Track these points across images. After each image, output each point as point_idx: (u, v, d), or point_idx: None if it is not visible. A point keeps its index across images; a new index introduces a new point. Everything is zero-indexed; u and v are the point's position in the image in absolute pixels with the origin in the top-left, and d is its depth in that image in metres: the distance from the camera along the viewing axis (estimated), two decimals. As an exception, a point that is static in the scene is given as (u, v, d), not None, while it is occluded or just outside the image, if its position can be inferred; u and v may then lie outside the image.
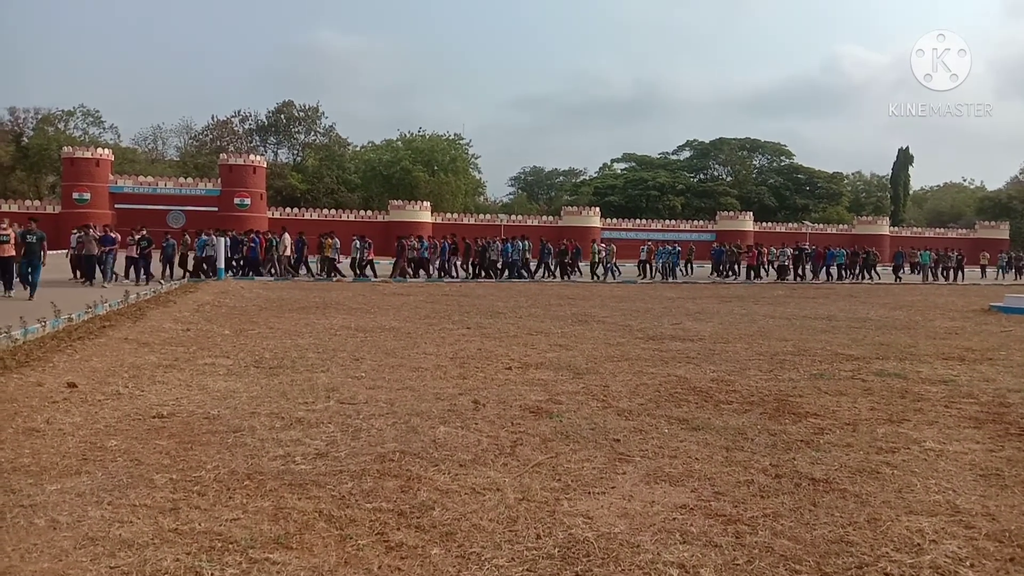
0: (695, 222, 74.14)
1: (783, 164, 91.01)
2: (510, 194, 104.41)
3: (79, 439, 5.07)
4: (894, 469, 4.84)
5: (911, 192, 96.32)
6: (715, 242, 41.88)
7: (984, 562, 3.45)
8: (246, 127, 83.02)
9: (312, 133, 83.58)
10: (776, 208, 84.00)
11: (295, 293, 18.84)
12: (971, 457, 5.17)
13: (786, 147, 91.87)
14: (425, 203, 65.99)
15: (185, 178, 63.74)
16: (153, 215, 53.81)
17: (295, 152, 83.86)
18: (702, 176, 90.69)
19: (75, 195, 56.84)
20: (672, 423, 5.97)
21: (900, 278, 33.67)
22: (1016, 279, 39.63)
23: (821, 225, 75.20)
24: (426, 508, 3.95)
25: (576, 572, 3.27)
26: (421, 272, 27.32)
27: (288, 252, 25.81)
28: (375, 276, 26.14)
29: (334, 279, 25.02)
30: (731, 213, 74.12)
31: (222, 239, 24.32)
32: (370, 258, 26.62)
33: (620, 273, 30.61)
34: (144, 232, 21.78)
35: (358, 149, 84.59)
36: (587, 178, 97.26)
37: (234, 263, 24.93)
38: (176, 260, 23.44)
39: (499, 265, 27.96)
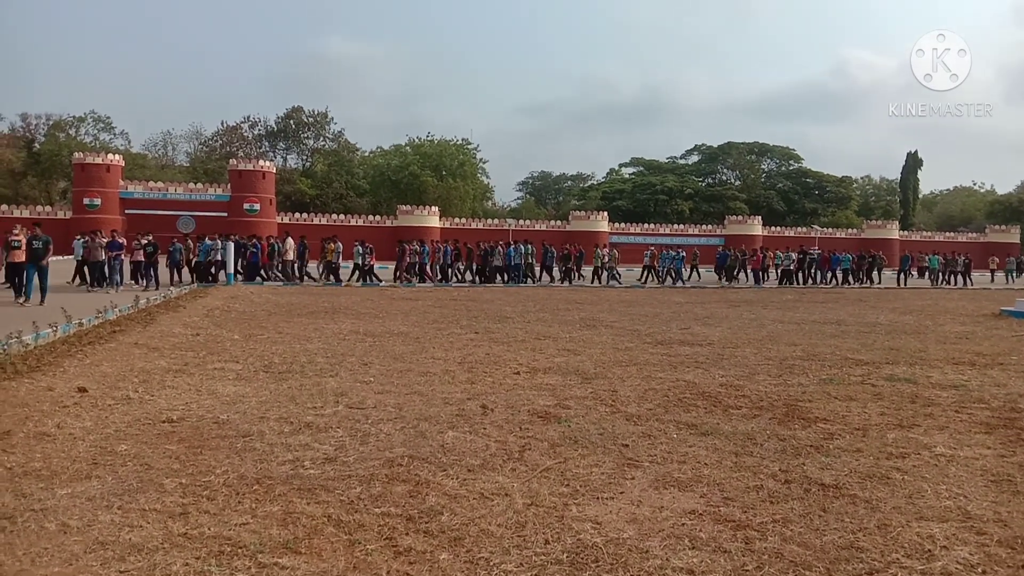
0: (704, 226, 73.93)
1: (792, 168, 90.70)
2: (518, 199, 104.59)
3: (89, 443, 5.10)
4: (904, 475, 4.81)
5: (921, 196, 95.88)
6: (721, 247, 41.68)
7: (996, 569, 3.43)
8: (255, 133, 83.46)
9: (321, 139, 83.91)
10: (785, 212, 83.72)
11: (304, 298, 18.90)
12: (982, 463, 5.13)
13: (795, 151, 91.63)
14: (433, 208, 66.05)
15: (195, 183, 64.02)
16: (163, 220, 54.03)
17: (304, 158, 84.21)
18: (710, 180, 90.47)
19: (86, 200, 57.14)
20: (681, 428, 5.95)
21: (907, 282, 33.50)
22: None
23: (830, 229, 74.81)
24: (434, 513, 3.95)
25: (585, 578, 3.26)
26: (428, 276, 27.33)
27: (291, 257, 25.88)
28: (378, 281, 26.08)
29: (343, 284, 25.09)
30: (740, 217, 73.89)
31: (230, 244, 24.41)
32: (371, 263, 26.63)
33: (620, 278, 30.55)
34: (150, 237, 21.89)
35: (367, 154, 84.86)
36: (595, 183, 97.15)
37: (237, 268, 24.92)
38: (184, 265, 23.52)
39: (501, 269, 27.91)
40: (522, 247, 28.55)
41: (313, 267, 27.65)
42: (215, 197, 61.12)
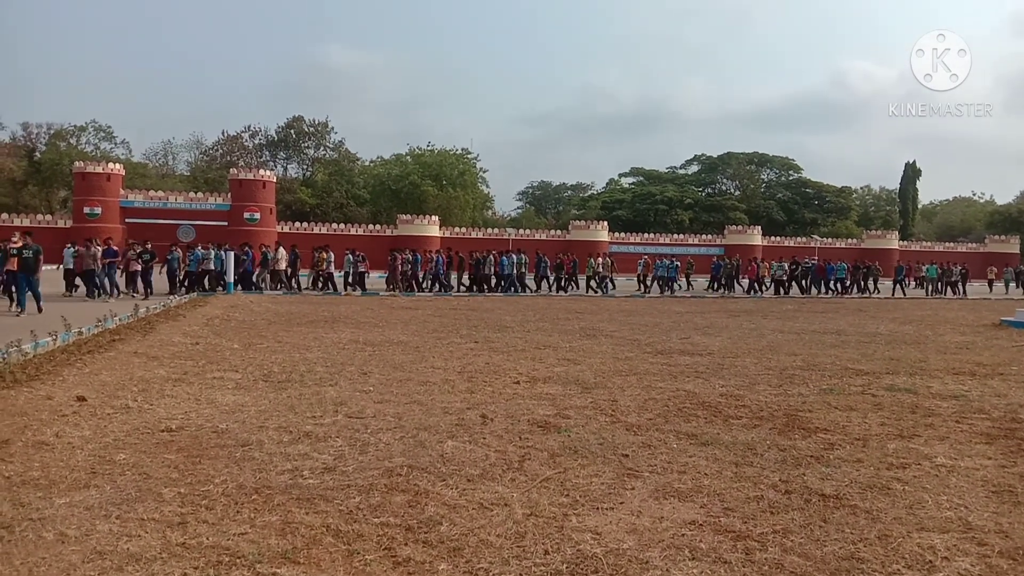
0: (703, 236, 74.05)
1: (791, 178, 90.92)
2: (518, 208, 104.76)
3: (88, 453, 5.09)
4: (905, 485, 4.80)
5: (920, 206, 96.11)
6: (716, 256, 41.72)
7: (997, 580, 3.41)
8: (256, 142, 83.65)
9: (321, 148, 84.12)
10: (784, 222, 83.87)
11: (303, 307, 18.89)
12: (983, 473, 5.12)
13: (794, 161, 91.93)
14: (433, 217, 66.17)
15: (195, 193, 64.15)
16: (163, 229, 54.09)
17: (305, 167, 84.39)
18: (710, 190, 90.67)
19: (86, 209, 57.27)
20: (681, 438, 5.94)
21: (904, 292, 33.52)
22: (1023, 293, 39.36)
23: (830, 239, 74.97)
24: (434, 523, 3.94)
25: (584, 588, 3.25)
26: (426, 286, 27.31)
27: (282, 266, 25.86)
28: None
29: (343, 293, 25.10)
30: (739, 227, 74.03)
31: (231, 254, 24.40)
32: (363, 271, 26.59)
33: (615, 287, 30.51)
34: (148, 246, 21.84)
35: (367, 164, 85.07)
36: (595, 192, 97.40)
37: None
38: (180, 274, 23.37)
39: (493, 279, 27.85)
40: (514, 256, 28.49)
41: (304, 277, 27.63)
42: (215, 206, 61.23)
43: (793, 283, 32.71)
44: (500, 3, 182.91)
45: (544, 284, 29.53)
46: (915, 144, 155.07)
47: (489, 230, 69.58)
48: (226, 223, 58.77)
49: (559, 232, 71.34)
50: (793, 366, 10.10)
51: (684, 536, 3.85)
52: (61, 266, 21.69)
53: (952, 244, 78.46)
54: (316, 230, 62.42)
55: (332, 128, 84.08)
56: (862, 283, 33.99)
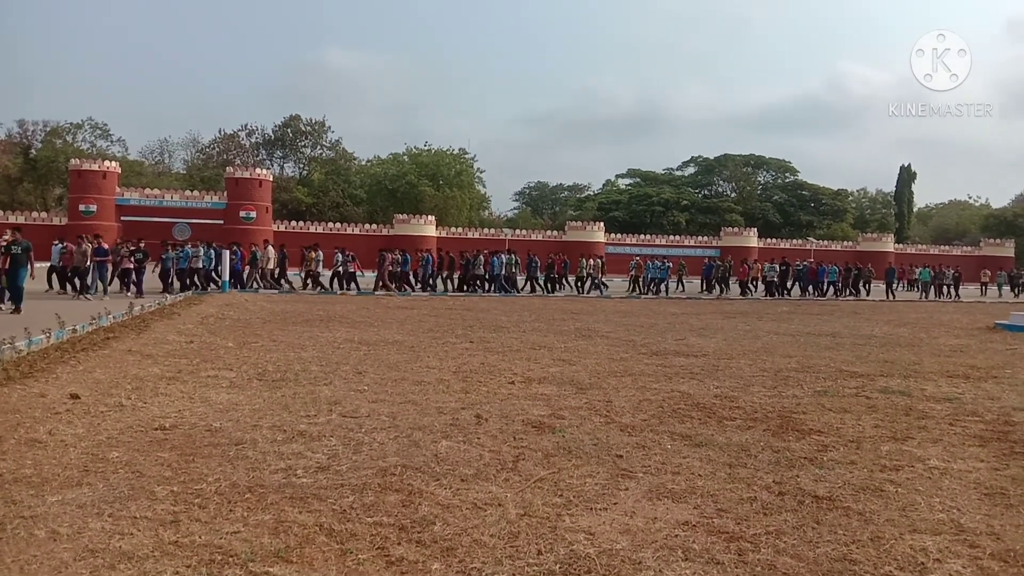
0: (699, 238, 74.09)
1: (787, 181, 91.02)
2: (515, 209, 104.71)
3: (81, 450, 5.08)
4: (898, 487, 4.81)
5: (916, 209, 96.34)
6: (708, 258, 41.72)
7: (989, 582, 3.42)
8: (253, 141, 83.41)
9: (318, 147, 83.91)
10: (781, 224, 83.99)
11: (299, 306, 18.87)
12: (976, 476, 5.14)
13: (790, 164, 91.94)
14: (430, 217, 66.09)
15: (191, 191, 63.94)
16: (159, 227, 53.93)
17: (301, 166, 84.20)
18: (706, 192, 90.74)
19: (82, 207, 57.06)
20: (675, 439, 5.95)
21: (894, 294, 33.63)
22: (1015, 296, 39.53)
23: (826, 242, 75.03)
24: (427, 523, 3.94)
25: (577, 588, 3.25)
26: (408, 285, 27.24)
27: (271, 265, 25.80)
28: (357, 290, 25.94)
29: (339, 293, 25.08)
30: (735, 229, 74.09)
31: (226, 252, 24.32)
32: (353, 271, 26.55)
33: (607, 288, 30.51)
34: (141, 244, 21.72)
35: (364, 163, 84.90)
36: (591, 193, 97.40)
37: (216, 276, 24.70)
38: (174, 273, 23.16)
39: (483, 279, 27.79)
40: (504, 256, 28.44)
41: (295, 276, 27.63)
42: (211, 205, 61.05)
43: (786, 284, 32.82)
44: (499, 7, 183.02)
45: (532, 284, 29.40)
46: (911, 147, 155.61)
47: (486, 230, 69.51)
48: (222, 222, 58.59)
49: (555, 233, 71.28)
50: (788, 368, 10.12)
51: (677, 537, 3.85)
52: (50, 263, 21.43)
53: (947, 247, 78.61)
54: (312, 229, 62.27)
55: (329, 127, 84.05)
56: (852, 285, 34.12)
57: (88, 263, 19.45)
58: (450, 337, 12.81)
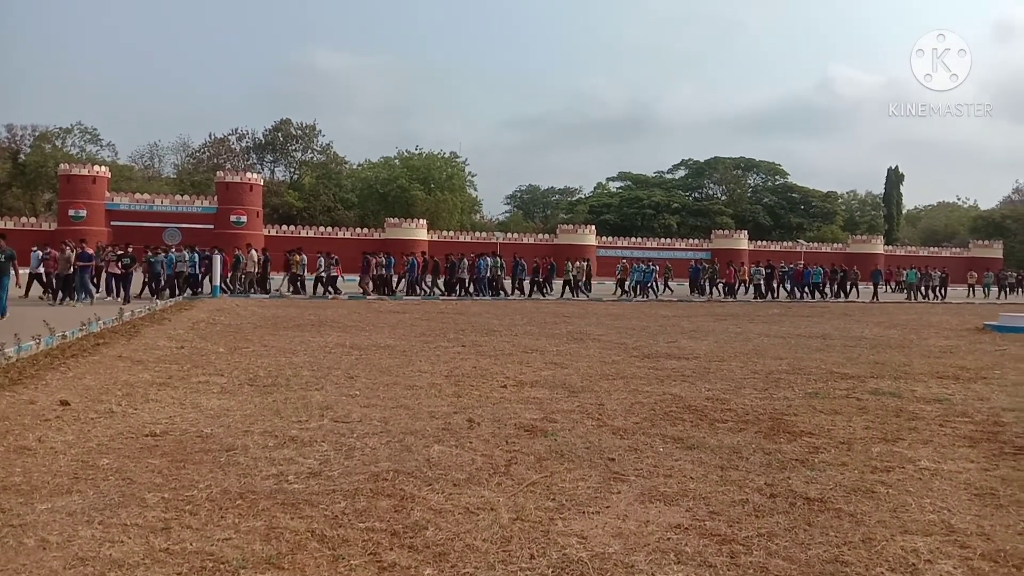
0: (690, 240, 74.32)
1: (778, 183, 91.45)
2: (506, 212, 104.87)
3: (71, 457, 5.04)
4: (889, 488, 4.83)
5: (905, 211, 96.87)
6: (695, 260, 41.83)
7: (979, 582, 3.44)
8: (243, 145, 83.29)
9: (309, 151, 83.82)
10: (771, 227, 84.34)
11: (290, 311, 18.82)
12: (966, 476, 5.16)
13: (780, 166, 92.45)
14: (421, 221, 66.07)
15: (181, 195, 63.81)
16: (149, 232, 53.65)
17: (292, 170, 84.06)
18: (697, 195, 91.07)
19: (71, 212, 56.82)
20: (667, 442, 5.95)
21: (878, 297, 33.82)
22: (1000, 297, 39.80)
23: (816, 244, 75.34)
24: (419, 528, 3.93)
25: (570, 593, 3.25)
26: (392, 289, 27.17)
27: (254, 269, 25.75)
28: (339, 294, 25.85)
29: (329, 296, 25.04)
30: (726, 232, 74.32)
31: (217, 257, 24.24)
32: (335, 275, 26.52)
33: (590, 291, 30.55)
34: (128, 249, 21.58)
35: (355, 167, 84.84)
36: (583, 196, 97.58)
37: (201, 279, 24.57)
38: (163, 278, 22.94)
39: (467, 282, 27.73)
40: (489, 260, 28.44)
41: (275, 280, 27.59)
42: (202, 209, 60.91)
43: (773, 287, 32.99)
44: (490, 9, 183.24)
45: (519, 287, 29.38)
46: (900, 150, 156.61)
47: (477, 234, 69.56)
48: (212, 226, 58.44)
49: (547, 236, 71.40)
50: (778, 370, 10.16)
51: (670, 540, 3.86)
52: (29, 270, 21.05)
53: (936, 249, 79.04)
54: (303, 233, 62.17)
55: (320, 131, 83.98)
56: (837, 287, 34.31)
57: (71, 269, 19.28)
58: (442, 341, 12.80)
